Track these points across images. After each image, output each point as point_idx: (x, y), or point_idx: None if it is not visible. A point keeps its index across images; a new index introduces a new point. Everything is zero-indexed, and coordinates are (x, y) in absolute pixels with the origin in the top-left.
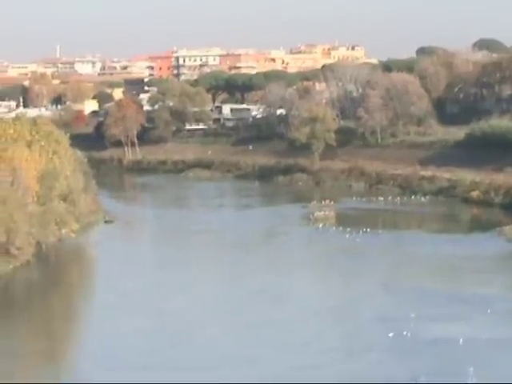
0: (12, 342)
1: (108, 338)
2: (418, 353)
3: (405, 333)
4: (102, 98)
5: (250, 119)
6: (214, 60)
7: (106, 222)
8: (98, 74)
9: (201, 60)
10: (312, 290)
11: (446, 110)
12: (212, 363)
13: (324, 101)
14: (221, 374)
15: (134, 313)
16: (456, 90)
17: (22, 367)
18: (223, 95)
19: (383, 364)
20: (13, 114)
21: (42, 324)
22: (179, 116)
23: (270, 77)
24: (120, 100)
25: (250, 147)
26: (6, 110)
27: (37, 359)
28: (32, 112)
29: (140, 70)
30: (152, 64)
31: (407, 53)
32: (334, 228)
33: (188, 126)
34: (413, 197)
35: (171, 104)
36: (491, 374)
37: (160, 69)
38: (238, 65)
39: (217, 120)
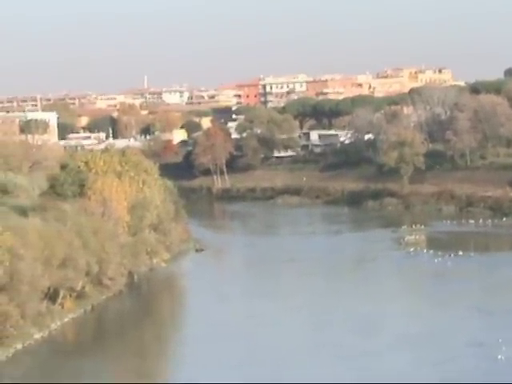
0: (104, 377)
1: (199, 372)
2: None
3: (499, 357)
4: (190, 127)
5: (338, 145)
6: (301, 86)
7: (196, 250)
8: (186, 104)
9: (287, 87)
10: (405, 316)
11: None
12: None
13: (412, 124)
14: None
15: (225, 345)
16: None
17: None
18: (310, 121)
19: None
20: (102, 146)
21: (134, 356)
22: (267, 143)
23: (357, 102)
24: (208, 129)
25: None
26: (95, 141)
27: None
28: (121, 143)
29: (227, 98)
30: (239, 92)
31: (495, 74)
32: (425, 251)
33: (276, 153)
34: (504, 219)
35: (259, 131)
36: None
37: (247, 96)
38: (324, 90)
39: (305, 146)
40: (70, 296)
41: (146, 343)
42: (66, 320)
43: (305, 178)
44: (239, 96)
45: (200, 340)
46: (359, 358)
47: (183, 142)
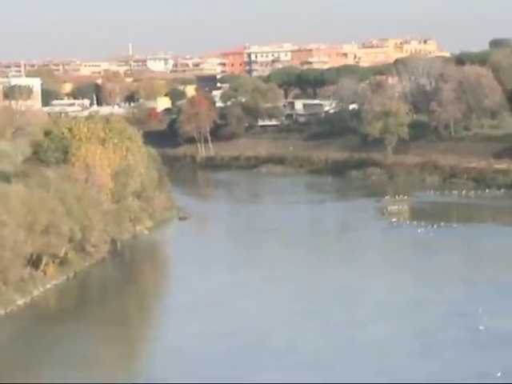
0: (87, 344)
1: (181, 339)
2: (493, 348)
3: (481, 327)
4: (175, 95)
5: (323, 114)
6: (286, 55)
7: (179, 218)
8: (171, 72)
9: (272, 56)
10: (387, 286)
11: None
12: (287, 366)
13: (397, 95)
14: (297, 377)
15: (208, 314)
16: None
17: (98, 366)
18: (295, 91)
19: (459, 361)
20: (86, 113)
21: (117, 325)
22: (251, 112)
23: (342, 71)
24: (192, 97)
25: None
26: (79, 108)
27: (111, 358)
28: (105, 110)
29: (212, 66)
30: (224, 60)
31: (480, 45)
32: (407, 222)
33: (260, 122)
34: (487, 190)
35: (243, 100)
36: None
37: (232, 65)
38: (309, 60)
39: (289, 115)
40: (53, 262)
41: (128, 311)
42: (48, 286)
43: (291, 148)
44: (224, 64)
45: (183, 309)
46: (342, 328)
47: (167, 110)
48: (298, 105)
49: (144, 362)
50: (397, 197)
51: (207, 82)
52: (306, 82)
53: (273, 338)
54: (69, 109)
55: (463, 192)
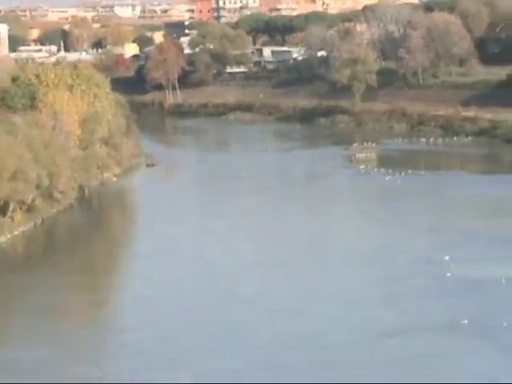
0: (54, 291)
1: (149, 286)
2: (460, 296)
3: (448, 275)
4: (143, 41)
5: (291, 61)
6: (254, 2)
7: (147, 165)
8: (138, 18)
9: (241, 2)
10: (354, 234)
11: (487, 50)
12: (257, 314)
13: (365, 42)
14: (263, 326)
15: (175, 262)
16: (498, 29)
17: (66, 314)
18: (263, 37)
19: (425, 309)
20: (53, 59)
21: (85, 272)
22: (220, 59)
23: (310, 18)
24: (161, 43)
25: None
26: (46, 54)
27: (79, 306)
28: (72, 56)
29: (180, 13)
30: (192, 7)
31: None
32: (375, 170)
33: (229, 69)
34: (455, 138)
35: (211, 47)
36: None
37: (200, 12)
38: (278, 6)
39: (257, 63)
40: (20, 209)
41: (96, 258)
42: (16, 233)
43: (261, 95)
44: (192, 11)
45: (151, 256)
46: (309, 275)
47: (135, 57)
48: (267, 52)
49: (112, 309)
50: (365, 144)
51: (175, 29)
52: (275, 28)
53: (241, 286)
54: (36, 55)
55: (431, 139)
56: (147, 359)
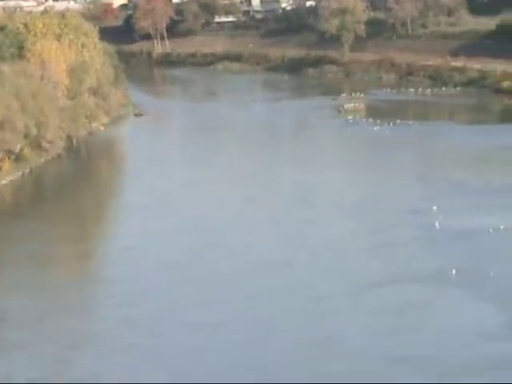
0: (41, 241)
1: (137, 237)
2: (448, 246)
3: (436, 225)
4: None
5: (280, 11)
6: None
7: (135, 115)
8: None
9: None
10: (343, 184)
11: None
12: (243, 266)
13: None
14: (251, 277)
15: (163, 212)
16: None
17: (53, 265)
18: None
19: (414, 259)
20: (41, 8)
21: (72, 222)
22: (208, 8)
23: None
24: None
25: None
26: (34, 3)
27: (66, 256)
28: (60, 5)
29: None
30: None
31: None
32: (364, 120)
33: (217, 19)
34: (443, 88)
35: None
36: None
37: None
38: None
39: (246, 12)
40: (9, 158)
41: (83, 208)
42: (3, 182)
43: (251, 45)
44: None
45: (138, 206)
46: (298, 226)
47: (123, 6)
48: (255, 1)
49: (100, 260)
50: (353, 95)
51: None
52: None
53: (228, 236)
54: (24, 4)
55: (419, 90)
56: (135, 310)
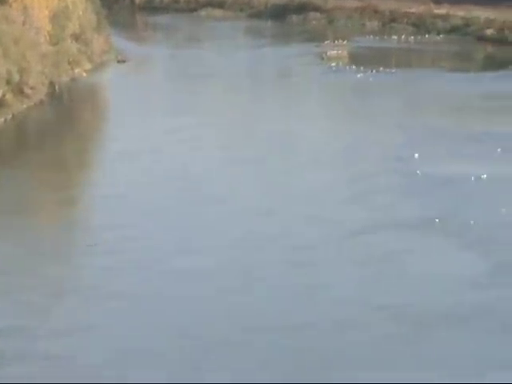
0: (25, 188)
1: (120, 185)
2: (431, 194)
3: (418, 172)
4: None
5: None
6: None
7: (118, 61)
8: None
9: None
10: (324, 132)
11: None
12: (226, 215)
13: None
14: (233, 226)
15: (146, 160)
16: None
17: (36, 212)
18: None
19: (396, 207)
20: None
21: (55, 169)
22: None
23: None
24: None
25: None
26: None
27: (50, 204)
28: None
29: None
30: None
31: None
32: (347, 67)
33: None
34: (426, 35)
35: None
36: (504, 210)
37: None
38: None
39: None
40: None
41: (67, 155)
42: None
43: None
44: None
45: (122, 154)
46: (279, 174)
47: None
48: None
49: (83, 207)
50: (336, 42)
51: None
52: None
53: (210, 185)
54: None
55: (402, 37)
56: (119, 258)
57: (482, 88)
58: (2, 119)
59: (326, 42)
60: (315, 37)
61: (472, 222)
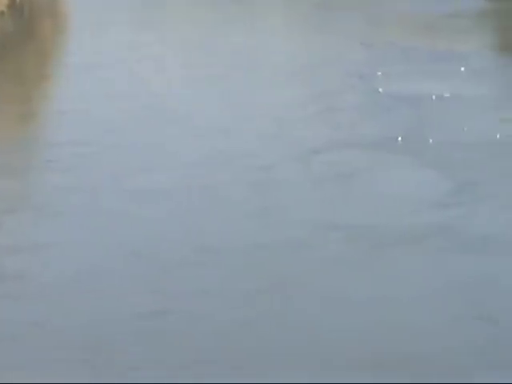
0: None
1: (80, 100)
2: (393, 112)
3: (380, 90)
4: None
5: None
6: None
7: None
8: None
9: None
10: (287, 48)
11: None
12: (184, 133)
13: None
14: (192, 144)
15: (107, 75)
16: None
17: None
18: None
19: (358, 125)
20: None
21: (15, 83)
22: None
23: None
24: None
25: None
26: None
27: (8, 117)
28: None
29: None
30: None
31: None
32: None
33: None
34: None
35: None
36: (466, 129)
37: None
38: None
39: None
40: None
41: (26, 68)
42: None
43: None
44: None
45: (82, 69)
46: (240, 90)
47: None
48: None
49: (39, 122)
50: None
51: None
52: None
53: (169, 101)
54: None
55: None
56: (74, 175)
57: (446, 7)
58: None
59: None
60: None
61: (434, 141)
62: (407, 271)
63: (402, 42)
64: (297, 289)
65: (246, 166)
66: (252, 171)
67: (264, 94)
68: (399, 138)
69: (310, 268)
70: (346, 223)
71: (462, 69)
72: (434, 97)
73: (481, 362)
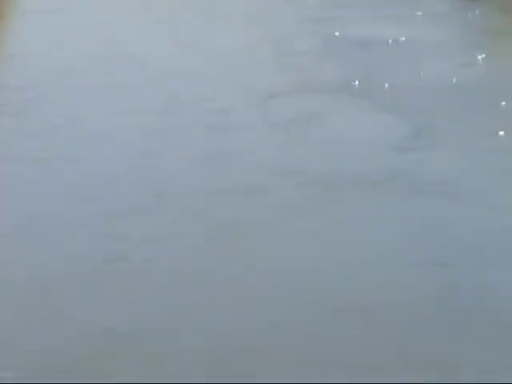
0: None
1: (38, 44)
2: (350, 56)
3: (336, 34)
4: None
5: None
6: None
7: None
8: None
9: None
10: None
11: None
12: (142, 77)
13: None
14: (152, 89)
15: (62, 20)
16: None
17: None
18: None
19: (315, 70)
20: None
21: None
22: None
23: None
24: None
25: None
26: None
27: None
28: None
29: None
30: None
31: None
32: None
33: None
34: None
35: None
36: (422, 73)
37: None
38: None
39: None
40: None
41: None
42: None
43: None
44: None
45: (35, 12)
46: (197, 36)
47: None
48: None
49: None
50: None
51: None
52: None
53: (127, 46)
54: None
55: None
56: (28, 119)
57: None
58: None
59: None
60: None
61: (390, 85)
62: (362, 217)
63: None
64: (248, 233)
65: (202, 111)
66: (207, 116)
67: (218, 37)
68: (356, 82)
69: (263, 213)
70: (301, 168)
71: (419, 13)
72: (390, 41)
73: (442, 310)
